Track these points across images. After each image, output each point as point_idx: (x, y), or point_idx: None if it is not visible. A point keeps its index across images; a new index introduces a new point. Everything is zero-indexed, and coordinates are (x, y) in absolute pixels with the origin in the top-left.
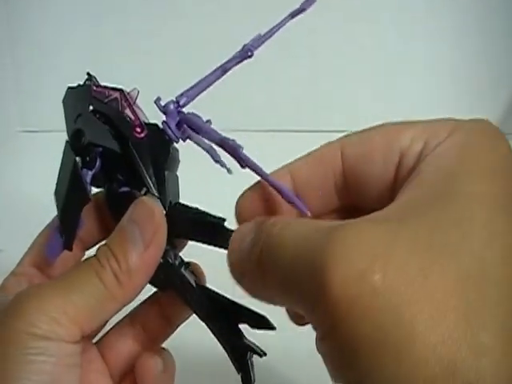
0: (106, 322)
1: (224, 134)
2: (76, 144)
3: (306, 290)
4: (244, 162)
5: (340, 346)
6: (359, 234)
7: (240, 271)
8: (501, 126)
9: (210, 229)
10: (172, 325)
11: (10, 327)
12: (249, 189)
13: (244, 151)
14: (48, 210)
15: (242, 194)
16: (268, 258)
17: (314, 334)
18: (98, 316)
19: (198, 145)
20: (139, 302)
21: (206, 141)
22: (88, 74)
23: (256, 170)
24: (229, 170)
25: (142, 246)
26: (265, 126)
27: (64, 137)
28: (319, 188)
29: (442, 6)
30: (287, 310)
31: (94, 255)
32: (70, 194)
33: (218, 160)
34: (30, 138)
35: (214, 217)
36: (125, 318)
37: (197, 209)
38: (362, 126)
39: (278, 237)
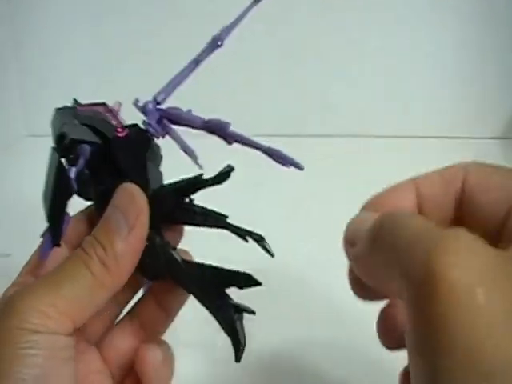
0: (98, 311)
1: None
2: (60, 145)
3: (413, 269)
4: (232, 138)
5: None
6: (475, 242)
7: (353, 238)
8: (507, 130)
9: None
10: (169, 314)
11: (3, 326)
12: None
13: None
14: None
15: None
16: (386, 231)
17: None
18: (89, 305)
19: (175, 140)
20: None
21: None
22: (75, 100)
23: (245, 141)
24: (200, 166)
25: (126, 230)
26: (269, 131)
27: None
28: (441, 204)
29: (446, 8)
30: (354, 283)
31: (80, 247)
32: (55, 190)
33: (190, 154)
34: (34, 142)
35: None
36: (124, 316)
37: (177, 182)
38: (369, 131)
39: (400, 218)
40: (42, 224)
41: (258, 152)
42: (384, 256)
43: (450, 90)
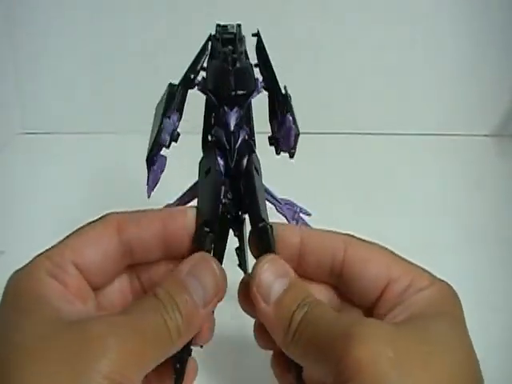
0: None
1: None
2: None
3: (333, 350)
4: None
5: None
6: (376, 324)
7: (267, 295)
8: (501, 127)
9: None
10: None
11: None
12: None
13: None
14: (48, 212)
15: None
16: (306, 326)
17: None
18: (150, 353)
19: None
20: None
21: None
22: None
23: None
24: None
25: (202, 304)
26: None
27: (63, 139)
28: (320, 262)
29: (443, 6)
30: (260, 338)
31: (154, 295)
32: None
33: None
34: (30, 139)
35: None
36: None
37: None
38: (363, 129)
39: (314, 315)
40: (36, 222)
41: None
42: (304, 349)
43: (446, 88)
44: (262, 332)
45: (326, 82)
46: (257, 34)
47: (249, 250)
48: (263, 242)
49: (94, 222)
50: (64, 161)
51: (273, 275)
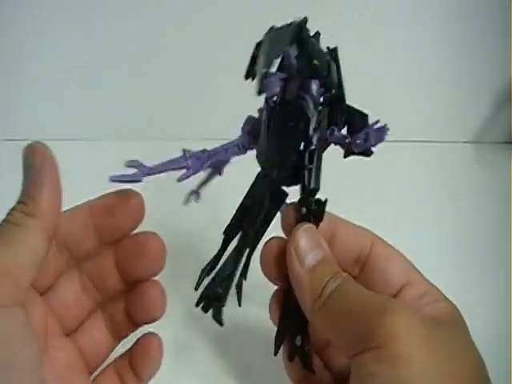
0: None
1: None
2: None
3: (367, 319)
4: None
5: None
6: (409, 305)
7: (303, 256)
8: (481, 134)
9: None
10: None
11: None
12: None
13: None
14: None
15: None
16: (338, 296)
17: None
18: (26, 256)
19: None
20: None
21: None
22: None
23: None
24: None
25: (37, 177)
26: None
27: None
28: (347, 250)
29: (422, 11)
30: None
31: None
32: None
33: None
34: (12, 146)
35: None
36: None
37: None
38: None
39: (347, 288)
40: None
41: None
42: (332, 317)
43: (424, 94)
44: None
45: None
46: (333, 50)
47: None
48: (315, 214)
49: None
50: None
51: (310, 244)
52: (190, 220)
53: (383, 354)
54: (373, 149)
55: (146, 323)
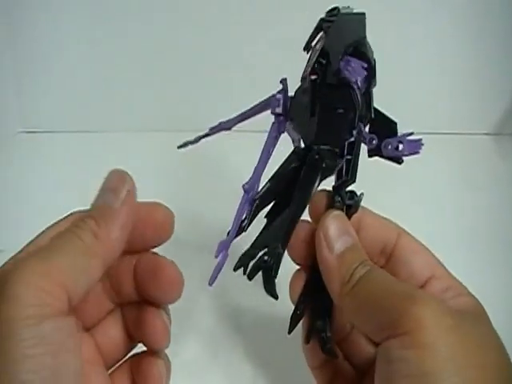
0: (90, 289)
1: None
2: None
3: (394, 305)
4: None
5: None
6: (436, 297)
7: (333, 243)
8: (501, 125)
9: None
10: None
11: (2, 317)
12: None
13: None
14: (47, 211)
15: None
16: (366, 282)
17: None
18: (82, 275)
19: None
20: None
21: None
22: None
23: None
24: None
25: (117, 204)
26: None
27: (63, 138)
28: (374, 240)
29: (444, 5)
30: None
31: (72, 224)
32: None
33: None
34: (30, 138)
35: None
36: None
37: None
38: None
39: (375, 275)
40: (35, 220)
41: None
42: (359, 303)
43: (446, 86)
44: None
45: None
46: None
47: None
48: (352, 206)
49: (59, 223)
50: (64, 159)
51: (339, 230)
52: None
53: (410, 340)
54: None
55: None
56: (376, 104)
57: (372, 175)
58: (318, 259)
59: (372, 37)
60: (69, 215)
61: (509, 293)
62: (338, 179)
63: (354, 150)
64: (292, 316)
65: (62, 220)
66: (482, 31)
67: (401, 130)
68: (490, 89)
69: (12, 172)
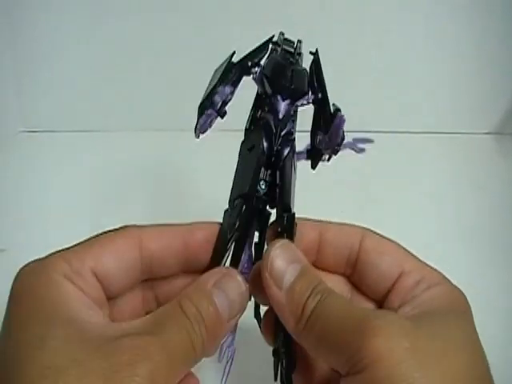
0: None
1: None
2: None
3: (348, 342)
4: None
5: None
6: (390, 317)
7: (280, 280)
8: (502, 125)
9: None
10: None
11: None
12: None
13: None
14: (47, 210)
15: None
16: (319, 316)
17: None
18: (179, 370)
19: None
20: None
21: None
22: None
23: None
24: None
25: (227, 318)
26: None
27: (63, 137)
28: (337, 253)
29: (444, 5)
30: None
31: (180, 307)
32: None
33: None
34: (30, 138)
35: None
36: None
37: None
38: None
39: (328, 305)
40: (37, 220)
41: None
42: (316, 339)
43: (446, 86)
44: (269, 324)
45: (326, 81)
46: (315, 53)
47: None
48: (286, 230)
49: (112, 231)
50: (65, 159)
51: (285, 261)
52: None
53: (369, 377)
54: (361, 146)
55: None
56: (376, 104)
57: (372, 175)
58: (269, 299)
59: (372, 37)
60: (123, 228)
61: (510, 292)
62: (280, 212)
63: (285, 173)
64: (274, 362)
65: (117, 233)
66: (483, 31)
67: (402, 129)
68: (491, 88)
69: (12, 172)
